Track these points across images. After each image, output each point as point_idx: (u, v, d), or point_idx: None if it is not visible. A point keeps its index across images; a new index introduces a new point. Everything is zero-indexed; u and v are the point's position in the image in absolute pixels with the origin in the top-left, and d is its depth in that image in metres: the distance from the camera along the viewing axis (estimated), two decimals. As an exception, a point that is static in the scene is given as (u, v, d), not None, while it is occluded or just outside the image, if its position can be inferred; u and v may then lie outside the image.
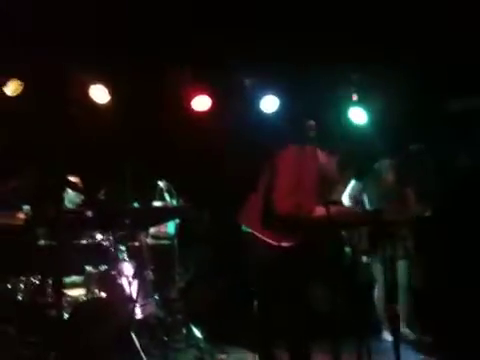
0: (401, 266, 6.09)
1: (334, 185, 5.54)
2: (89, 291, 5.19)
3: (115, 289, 5.32)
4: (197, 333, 5.76)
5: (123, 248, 5.75)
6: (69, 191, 5.96)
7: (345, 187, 6.32)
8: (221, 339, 5.84)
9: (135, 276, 5.46)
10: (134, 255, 5.80)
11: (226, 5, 5.83)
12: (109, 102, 6.80)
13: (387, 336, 6.05)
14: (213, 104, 7.11)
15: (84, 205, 5.85)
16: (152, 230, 6.38)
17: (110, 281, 5.37)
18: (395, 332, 5.00)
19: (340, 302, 5.24)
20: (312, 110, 5.69)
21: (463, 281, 6.04)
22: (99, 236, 5.55)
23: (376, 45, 6.23)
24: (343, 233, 5.74)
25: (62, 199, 5.84)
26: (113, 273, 5.44)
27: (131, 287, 5.32)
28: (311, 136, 4.32)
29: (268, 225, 4.38)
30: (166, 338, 5.36)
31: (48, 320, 4.74)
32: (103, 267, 5.42)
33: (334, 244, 5.38)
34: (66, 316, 4.78)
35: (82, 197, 5.95)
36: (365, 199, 6.26)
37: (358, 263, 6.14)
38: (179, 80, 6.84)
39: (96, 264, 5.39)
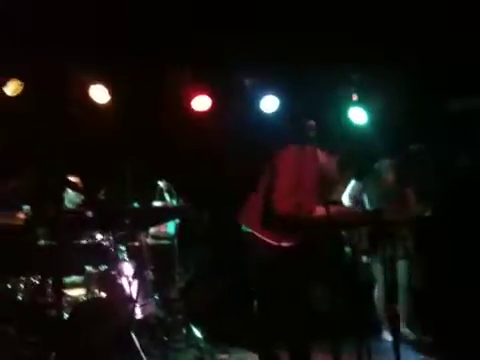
0: (401, 266, 6.09)
1: (334, 185, 5.54)
2: (89, 291, 5.19)
3: (115, 289, 5.32)
4: (197, 333, 5.76)
5: (123, 248, 5.75)
6: (69, 191, 5.96)
7: (345, 187, 6.32)
8: (221, 339, 5.84)
9: (135, 276, 5.46)
10: (134, 255, 5.80)
11: (226, 5, 5.83)
12: (109, 102, 6.79)
13: (387, 336, 6.05)
14: (213, 104, 7.11)
15: (84, 205, 5.85)
16: (152, 230, 6.38)
17: (110, 281, 5.37)
18: (395, 332, 5.00)
19: (340, 302, 5.25)
20: (312, 110, 5.69)
21: (463, 281, 6.04)
22: (99, 236, 5.55)
23: (376, 45, 6.23)
24: (343, 233, 5.75)
25: (62, 199, 5.83)
26: (113, 273, 5.44)
27: (131, 287, 5.32)
28: (311, 136, 4.32)
29: (268, 225, 4.38)
30: (166, 338, 5.37)
31: (48, 320, 4.75)
32: (103, 267, 5.42)
33: (334, 244, 5.38)
34: (66, 316, 4.78)
35: (82, 197, 5.95)
36: (365, 199, 6.26)
37: (358, 263, 6.14)
38: (179, 80, 6.84)
39: (96, 264, 5.40)
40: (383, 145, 6.50)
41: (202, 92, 7.06)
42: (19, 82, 6.38)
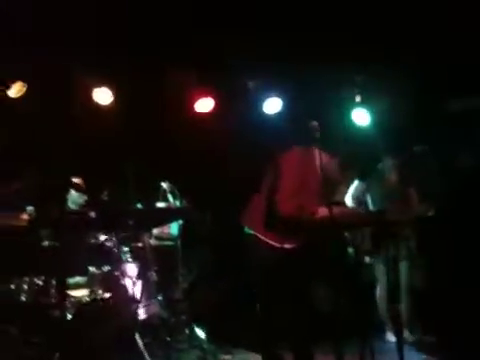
0: (404, 266, 6.09)
1: (336, 186, 5.54)
2: (92, 292, 5.20)
3: (118, 290, 5.32)
4: (200, 334, 5.77)
5: (126, 249, 5.76)
6: (72, 192, 5.98)
7: (347, 188, 6.32)
8: (224, 340, 5.85)
9: (138, 277, 5.47)
10: (137, 256, 5.81)
11: (229, 7, 5.83)
12: (112, 103, 6.80)
13: (390, 337, 6.05)
14: (216, 105, 7.11)
15: (87, 206, 5.86)
16: (155, 231, 6.39)
17: (113, 282, 5.37)
18: (398, 333, 5.01)
19: (343, 303, 5.25)
20: (315, 111, 5.69)
21: (466, 281, 6.04)
22: (102, 237, 5.56)
23: (376, 45, 6.23)
24: (346, 234, 5.76)
25: (65, 200, 5.87)
26: (116, 274, 5.44)
27: (134, 288, 5.33)
28: (316, 137, 4.32)
29: (271, 227, 4.38)
30: (169, 339, 5.39)
31: (52, 321, 4.76)
32: (106, 268, 5.42)
33: (337, 245, 5.38)
34: (69, 317, 4.79)
35: (85, 198, 5.96)
36: (368, 199, 6.26)
37: (361, 264, 6.14)
38: (182, 82, 6.84)
39: (99, 265, 5.40)
40: (386, 145, 6.50)
41: (206, 94, 7.06)
42: (22, 84, 6.39)
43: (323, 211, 4.26)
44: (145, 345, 4.96)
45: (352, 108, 7.02)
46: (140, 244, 6.00)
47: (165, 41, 6.28)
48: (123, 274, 5.48)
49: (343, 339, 4.50)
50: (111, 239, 5.55)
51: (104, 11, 5.74)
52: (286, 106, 7.07)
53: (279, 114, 7.10)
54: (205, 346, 5.62)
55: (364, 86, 6.90)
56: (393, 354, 4.45)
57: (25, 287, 4.89)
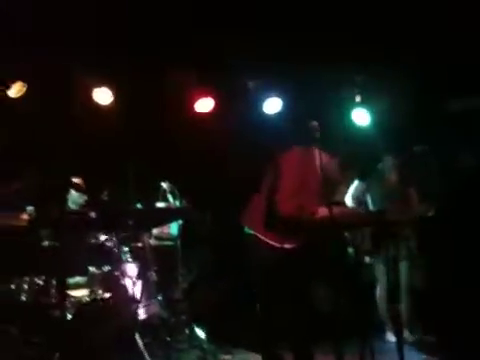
0: (404, 266, 6.09)
1: (336, 186, 5.54)
2: (92, 292, 5.20)
3: (118, 290, 5.33)
4: (200, 334, 5.77)
5: (126, 249, 5.77)
6: (72, 192, 5.98)
7: (347, 188, 6.32)
8: (224, 340, 5.85)
9: (138, 277, 5.47)
10: (137, 256, 5.81)
11: (229, 7, 5.83)
12: (112, 103, 6.80)
13: (390, 337, 6.06)
14: (216, 105, 7.12)
15: (87, 206, 5.86)
16: (155, 231, 6.39)
17: (113, 282, 5.38)
18: (398, 333, 5.01)
19: (343, 303, 5.25)
20: (315, 111, 5.70)
21: (466, 281, 6.04)
22: (102, 237, 5.56)
23: (376, 45, 6.23)
24: (346, 234, 5.75)
25: (65, 200, 5.86)
26: (116, 274, 5.45)
27: (134, 288, 5.33)
28: (316, 137, 4.32)
29: (271, 227, 4.39)
30: (169, 339, 5.39)
31: (52, 321, 4.76)
32: (106, 268, 5.42)
33: (337, 245, 5.38)
34: (69, 317, 4.79)
35: (85, 198, 5.96)
36: (368, 199, 6.26)
37: (361, 264, 6.14)
38: (182, 82, 6.84)
39: (99, 265, 5.40)
40: (386, 145, 6.50)
41: (206, 94, 7.06)
42: (22, 84, 6.39)
43: (323, 211, 4.26)
44: (145, 345, 4.96)
45: (352, 108, 7.03)
46: (140, 244, 6.00)
47: (165, 41, 6.28)
48: (123, 274, 5.48)
49: (343, 339, 4.51)
50: (111, 239, 5.55)
51: (104, 11, 5.74)
52: (286, 106, 7.07)
53: (279, 114, 7.10)
54: (205, 346, 5.62)
55: (364, 86, 6.90)
56: (393, 354, 4.45)
57: (25, 287, 4.89)
